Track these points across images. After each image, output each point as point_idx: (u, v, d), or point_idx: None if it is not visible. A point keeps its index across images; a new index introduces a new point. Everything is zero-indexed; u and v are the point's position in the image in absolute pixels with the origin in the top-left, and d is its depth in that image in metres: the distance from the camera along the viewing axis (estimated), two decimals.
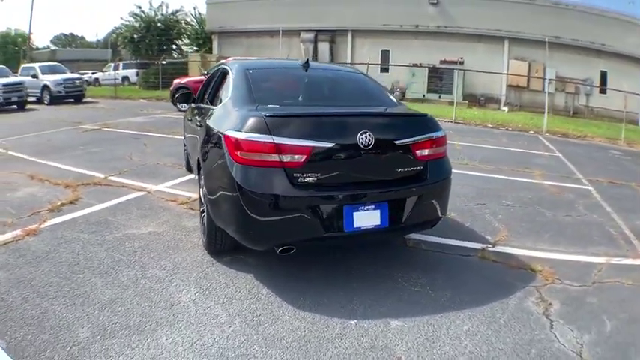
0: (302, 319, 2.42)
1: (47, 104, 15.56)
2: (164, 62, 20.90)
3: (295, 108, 3.12)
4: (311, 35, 20.08)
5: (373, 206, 2.67)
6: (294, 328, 2.33)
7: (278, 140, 2.51)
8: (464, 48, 17.90)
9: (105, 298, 2.58)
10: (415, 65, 17.57)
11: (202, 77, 12.50)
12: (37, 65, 17.53)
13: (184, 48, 27.88)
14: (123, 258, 3.12)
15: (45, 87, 15.78)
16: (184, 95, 5.11)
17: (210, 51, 23.70)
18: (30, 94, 15.21)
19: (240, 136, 2.56)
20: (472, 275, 3.03)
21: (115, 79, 21.85)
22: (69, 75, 16.93)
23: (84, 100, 17.02)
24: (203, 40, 25.32)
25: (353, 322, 2.39)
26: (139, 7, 24.65)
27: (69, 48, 51.94)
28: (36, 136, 8.47)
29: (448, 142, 3.21)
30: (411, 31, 19.03)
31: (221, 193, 2.74)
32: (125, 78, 24.96)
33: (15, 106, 14.15)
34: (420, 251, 3.43)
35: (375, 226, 2.68)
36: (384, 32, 19.44)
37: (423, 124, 3.00)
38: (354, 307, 2.54)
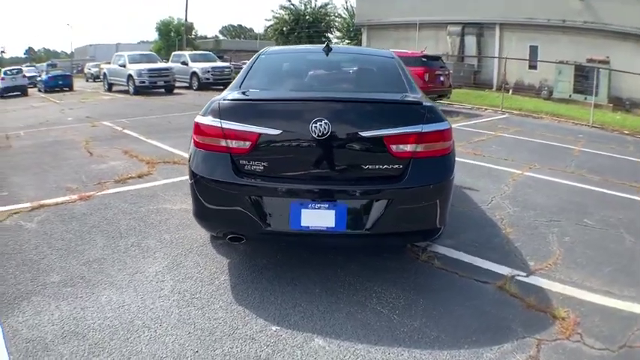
0: (230, 311, 2.50)
1: (195, 90, 18.48)
2: None
3: (265, 93, 3.06)
4: (458, 28, 20.31)
5: (326, 205, 2.53)
6: (213, 317, 2.44)
7: (226, 124, 2.59)
8: (610, 46, 16.95)
9: (93, 257, 3.15)
10: (561, 62, 16.72)
11: None
12: (187, 53, 20.98)
13: (335, 40, 29.77)
14: (137, 227, 3.69)
15: (194, 74, 18.78)
16: None
17: (360, 44, 24.91)
18: (179, 79, 18.31)
19: (199, 119, 2.73)
20: (467, 308, 2.59)
21: None
22: (218, 64, 19.83)
23: None
24: (354, 32, 26.64)
25: (275, 328, 2.36)
26: (289, 0, 27.21)
27: (237, 39, 59.21)
28: (160, 118, 10.34)
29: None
30: (559, 26, 18.15)
31: (188, 175, 2.96)
32: None
33: (162, 90, 17.20)
34: (428, 268, 3.10)
35: (328, 227, 2.53)
36: (532, 26, 18.79)
37: (410, 114, 2.68)
38: (290, 314, 2.49)
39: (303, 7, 27.40)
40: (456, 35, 20.20)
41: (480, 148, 7.51)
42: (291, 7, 27.47)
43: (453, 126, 9.95)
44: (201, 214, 2.77)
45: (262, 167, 2.58)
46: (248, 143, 2.56)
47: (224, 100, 2.72)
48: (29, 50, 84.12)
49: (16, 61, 69.80)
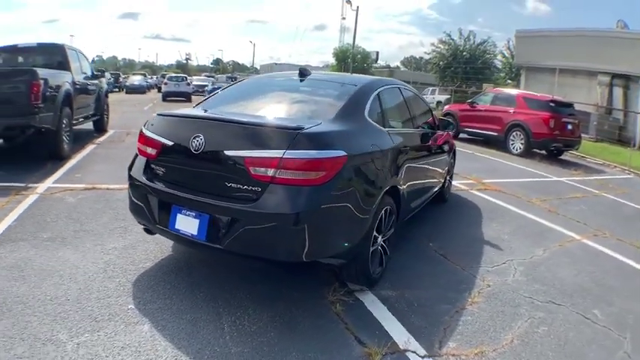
0: (120, 285, 3.18)
1: None
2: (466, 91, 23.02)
3: (186, 110, 3.68)
4: (607, 78, 19.53)
5: (194, 214, 2.91)
6: (104, 286, 3.17)
7: (147, 133, 3.30)
8: None
9: (86, 228, 4.27)
10: None
11: (467, 106, 14.32)
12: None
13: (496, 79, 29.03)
14: None
15: None
16: None
17: (518, 85, 24.09)
18: None
19: (141, 129, 3.46)
20: None
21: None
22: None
23: None
24: (516, 73, 25.78)
25: (130, 307, 2.93)
26: (449, 35, 27.53)
27: (418, 71, 61.02)
28: None
29: None
30: None
31: None
32: (439, 102, 28.38)
33: None
34: (325, 309, 3.10)
35: (192, 235, 2.91)
36: None
37: (276, 138, 2.80)
38: (155, 302, 3.00)
39: (462, 43, 27.51)
40: (604, 85, 19.06)
41: (562, 206, 6.90)
42: (450, 41, 27.79)
43: (562, 179, 9.23)
44: (129, 207, 3.51)
45: (161, 172, 3.22)
46: (155, 150, 3.23)
47: (157, 114, 3.49)
48: (217, 61, 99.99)
49: (202, 69, 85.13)
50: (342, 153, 2.87)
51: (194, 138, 2.96)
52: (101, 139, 9.42)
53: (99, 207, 4.86)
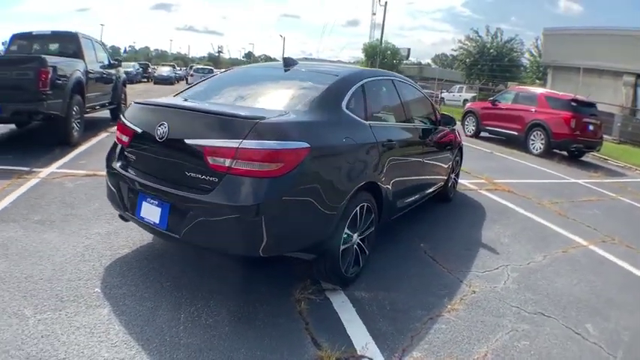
0: (92, 269, 3.28)
1: None
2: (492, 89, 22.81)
3: (167, 99, 3.68)
4: (632, 79, 19.18)
5: (157, 202, 2.93)
6: (78, 268, 3.27)
7: (124, 121, 3.36)
8: None
9: (76, 212, 4.40)
10: None
11: (489, 104, 14.21)
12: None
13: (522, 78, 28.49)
14: None
15: None
16: None
17: (545, 85, 23.58)
18: None
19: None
20: (252, 358, 2.50)
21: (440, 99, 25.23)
22: None
23: None
24: (543, 72, 25.22)
25: (97, 290, 3.01)
26: (476, 32, 27.01)
27: (448, 69, 60.39)
28: None
29: None
30: None
31: None
32: (466, 100, 27.91)
33: None
34: (290, 307, 3.03)
35: (154, 223, 2.93)
36: None
37: (234, 127, 2.73)
38: (122, 287, 3.06)
39: (490, 40, 26.97)
40: (630, 86, 18.67)
41: (573, 210, 6.64)
42: (477, 38, 27.29)
43: (579, 181, 9.01)
44: (106, 193, 3.58)
45: (132, 159, 3.28)
46: (127, 138, 3.29)
47: (133, 102, 3.55)
48: (249, 55, 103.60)
49: (234, 62, 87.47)
50: (303, 145, 2.77)
51: (159, 126, 2.97)
52: (115, 127, 9.56)
53: (94, 193, 4.99)
